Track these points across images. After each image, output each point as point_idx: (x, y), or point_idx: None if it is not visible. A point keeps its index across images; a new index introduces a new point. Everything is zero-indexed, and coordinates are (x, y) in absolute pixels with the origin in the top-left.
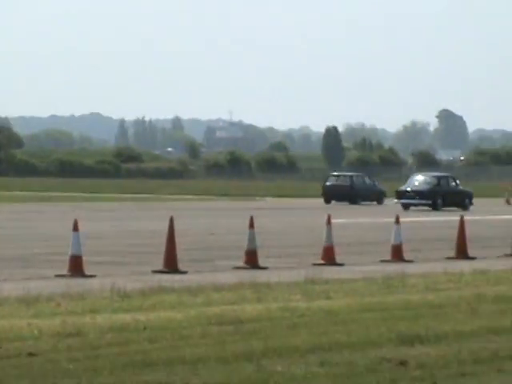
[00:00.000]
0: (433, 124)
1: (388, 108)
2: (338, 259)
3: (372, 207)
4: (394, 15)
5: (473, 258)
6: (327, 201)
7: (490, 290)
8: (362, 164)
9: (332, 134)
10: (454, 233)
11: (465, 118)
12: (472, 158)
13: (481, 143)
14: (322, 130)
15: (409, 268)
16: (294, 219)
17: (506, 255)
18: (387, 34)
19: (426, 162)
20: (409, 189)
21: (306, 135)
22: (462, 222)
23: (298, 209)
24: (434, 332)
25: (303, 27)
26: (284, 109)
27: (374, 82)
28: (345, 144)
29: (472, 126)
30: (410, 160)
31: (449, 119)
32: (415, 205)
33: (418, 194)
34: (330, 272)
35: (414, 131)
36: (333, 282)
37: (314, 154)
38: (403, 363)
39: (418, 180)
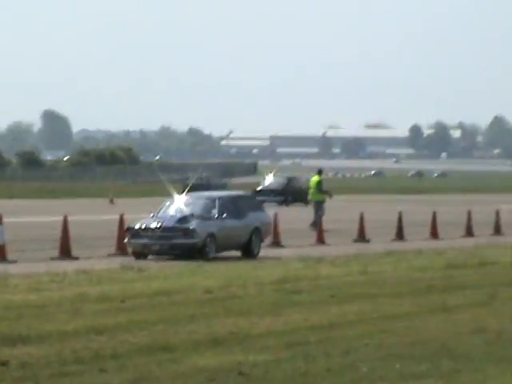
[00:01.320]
0: (37, 124)
1: None
2: None
3: None
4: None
5: (76, 258)
6: None
7: (92, 289)
8: None
9: None
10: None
11: (69, 119)
12: (76, 159)
13: (85, 143)
14: None
15: (12, 268)
16: None
17: (110, 255)
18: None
19: (30, 162)
20: (259, 188)
21: None
22: (65, 222)
23: None
24: (36, 332)
25: None
26: None
27: None
28: None
29: (76, 127)
30: (14, 160)
31: (53, 120)
32: (269, 201)
33: (272, 192)
34: None
35: (18, 131)
36: None
37: None
38: (4, 363)
39: (271, 180)
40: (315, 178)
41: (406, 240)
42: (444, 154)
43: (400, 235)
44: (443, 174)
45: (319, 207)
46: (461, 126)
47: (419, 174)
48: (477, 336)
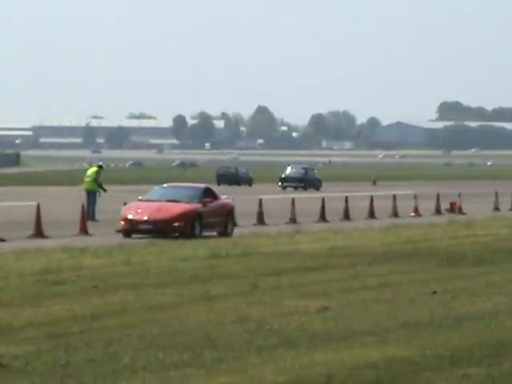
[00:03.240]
0: None
1: None
2: None
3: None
4: None
5: None
6: (219, 184)
7: None
8: None
9: None
10: None
11: None
12: None
13: None
14: None
15: None
16: None
17: None
18: None
19: None
20: (283, 176)
21: None
22: None
23: None
24: None
25: None
26: None
27: None
28: None
29: None
30: None
31: None
32: (292, 187)
33: (294, 179)
34: None
35: None
36: None
37: None
38: None
39: (290, 170)
40: (94, 169)
41: None
42: (208, 144)
43: None
44: (192, 164)
45: (93, 197)
46: (224, 116)
47: (183, 164)
48: (238, 325)
